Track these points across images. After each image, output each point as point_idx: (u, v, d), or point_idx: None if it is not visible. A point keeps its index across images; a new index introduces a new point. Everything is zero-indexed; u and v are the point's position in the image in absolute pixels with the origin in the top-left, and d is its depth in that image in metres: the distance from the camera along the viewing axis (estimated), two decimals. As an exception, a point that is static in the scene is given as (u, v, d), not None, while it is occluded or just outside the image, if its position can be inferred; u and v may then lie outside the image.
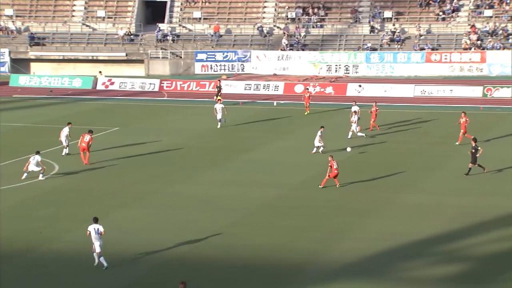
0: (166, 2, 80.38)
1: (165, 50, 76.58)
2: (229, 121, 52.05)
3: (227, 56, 74.80)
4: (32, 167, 38.57)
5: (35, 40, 76.97)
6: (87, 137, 41.59)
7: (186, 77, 71.75)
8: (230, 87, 67.12)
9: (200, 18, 79.16)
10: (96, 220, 28.00)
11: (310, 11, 78.82)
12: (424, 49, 73.37)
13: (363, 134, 47.61)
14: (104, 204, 34.86)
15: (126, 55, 76.31)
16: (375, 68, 72.92)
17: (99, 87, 69.17)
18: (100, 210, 33.74)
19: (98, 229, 27.75)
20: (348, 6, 79.15)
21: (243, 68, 74.43)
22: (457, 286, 26.18)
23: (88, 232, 27.84)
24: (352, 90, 65.91)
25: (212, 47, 76.59)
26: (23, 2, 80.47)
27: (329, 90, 66.60)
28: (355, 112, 47.94)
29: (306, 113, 55.48)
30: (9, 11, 79.34)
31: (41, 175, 38.85)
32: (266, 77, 71.57)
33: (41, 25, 78.67)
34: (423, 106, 59.85)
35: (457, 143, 45.28)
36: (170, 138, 48.17)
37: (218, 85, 61.44)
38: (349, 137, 46.87)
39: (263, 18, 79.56)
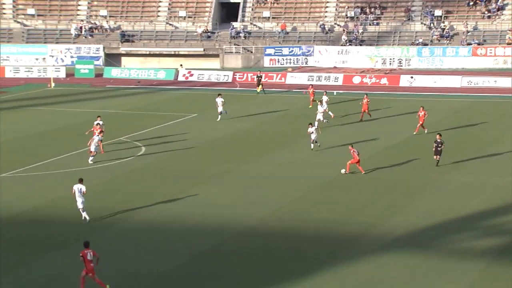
0: (239, 3, 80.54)
1: (238, 45, 76.82)
2: (293, 108, 51.90)
3: (292, 51, 74.75)
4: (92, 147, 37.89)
5: (126, 37, 77.97)
6: (98, 130, 39.52)
7: (256, 69, 71.85)
8: (295, 78, 67.50)
9: (269, 17, 79.12)
10: (81, 181, 29.28)
11: (368, 10, 78.12)
12: (471, 44, 72.03)
13: (326, 120, 46.34)
14: (183, 181, 35.26)
15: (204, 50, 76.75)
16: (426, 62, 71.93)
17: (180, 78, 69.75)
18: (180, 187, 34.19)
19: (81, 188, 29.00)
20: (402, 5, 78.14)
21: (307, 61, 74.32)
22: (498, 257, 25.75)
23: (73, 190, 29.07)
24: (404, 81, 65.08)
25: (279, 43, 76.56)
26: (115, 4, 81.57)
27: (384, 81, 65.94)
28: (321, 102, 47.34)
29: (310, 106, 52.81)
30: (103, 11, 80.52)
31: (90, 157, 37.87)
32: (327, 70, 71.39)
33: (130, 24, 79.64)
34: (469, 96, 58.81)
35: (414, 132, 43.88)
36: (241, 124, 48.37)
37: (258, 75, 61.29)
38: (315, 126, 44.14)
39: (325, 16, 79.12)
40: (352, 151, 35.82)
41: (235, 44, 76.93)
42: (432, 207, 31.16)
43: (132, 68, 72.63)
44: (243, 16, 79.72)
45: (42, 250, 26.30)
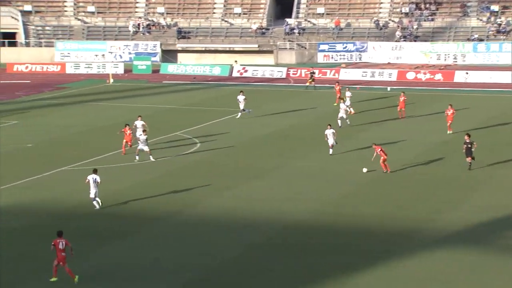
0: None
1: (292, 42, 76.69)
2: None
3: (346, 47, 74.27)
4: (142, 146, 37.31)
5: (182, 34, 78.61)
6: (128, 131, 38.65)
7: (310, 65, 71.60)
8: (348, 74, 67.07)
9: (323, 14, 78.78)
10: (95, 171, 29.99)
11: (422, 6, 77.15)
12: (527, 39, 70.45)
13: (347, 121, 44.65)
14: (236, 176, 35.43)
15: (258, 46, 76.85)
16: (481, 57, 70.61)
17: (235, 74, 70.01)
18: (232, 182, 34.36)
19: (95, 179, 29.66)
20: (458, 1, 76.88)
21: (360, 57, 73.75)
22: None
23: (87, 180, 29.69)
24: (459, 76, 64.04)
25: (333, 39, 76.18)
26: (172, 1, 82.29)
27: (438, 77, 64.98)
28: (343, 99, 46.18)
29: (335, 104, 51.26)
30: (161, 9, 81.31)
31: (136, 157, 37.31)
32: (381, 66, 70.66)
33: (187, 21, 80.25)
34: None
35: (448, 132, 42.42)
36: (292, 119, 48.31)
37: (312, 71, 60.99)
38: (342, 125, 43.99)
39: (380, 13, 78.39)
40: (379, 150, 34.84)
41: (289, 41, 76.84)
42: (486, 203, 30.64)
43: (188, 64, 73.21)
44: (298, 12, 79.55)
45: (100, 241, 26.76)
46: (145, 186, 33.71)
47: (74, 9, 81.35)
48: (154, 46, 76.34)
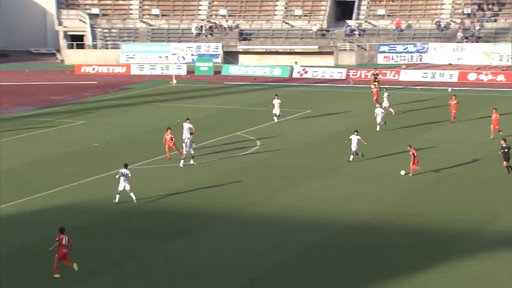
0: (354, 1, 79.95)
1: (352, 43, 76.31)
2: (406, 104, 50.99)
3: (406, 48, 73.52)
4: (189, 148, 36.70)
5: (243, 36, 79.03)
6: (168, 136, 37.51)
7: (369, 66, 71.11)
8: (409, 75, 66.49)
9: (384, 15, 78.14)
10: (126, 166, 30.56)
11: (485, 7, 75.73)
12: None
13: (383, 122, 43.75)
14: (296, 175, 35.46)
15: (318, 48, 76.72)
16: (546, 58, 69.00)
17: (295, 75, 70.03)
18: (292, 181, 34.41)
19: (127, 173, 30.21)
20: (521, 1, 75.27)
21: (421, 58, 72.91)
22: None
23: (120, 173, 30.27)
24: (522, 78, 62.72)
25: (394, 40, 75.47)
26: (234, 4, 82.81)
27: (501, 78, 63.82)
28: (380, 104, 44.95)
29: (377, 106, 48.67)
30: (223, 11, 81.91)
31: (182, 160, 36.56)
32: (442, 67, 69.76)
33: (248, 23, 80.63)
34: None
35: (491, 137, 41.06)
36: (353, 120, 48.07)
37: (375, 73, 60.57)
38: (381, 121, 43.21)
39: (441, 14, 77.32)
40: (411, 153, 34.35)
41: (349, 42, 76.46)
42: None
43: (249, 66, 73.54)
44: (358, 14, 79.08)
45: (163, 238, 27.16)
46: (206, 185, 34.04)
47: (139, 12, 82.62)
48: (216, 48, 76.93)
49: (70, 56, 77.70)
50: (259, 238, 27.23)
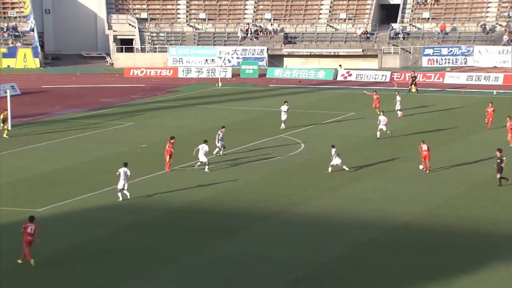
0: (399, 4, 79.39)
1: (396, 46, 75.75)
2: (451, 108, 50.35)
3: (451, 51, 72.72)
4: (201, 156, 35.72)
5: (288, 39, 79.10)
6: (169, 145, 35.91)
7: (414, 69, 70.50)
8: (453, 78, 65.86)
9: (428, 18, 77.42)
10: (125, 165, 30.99)
11: (530, 9, 74.41)
12: None
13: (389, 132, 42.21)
14: (341, 177, 35.34)
15: (362, 51, 76.35)
16: None
17: (339, 78, 69.84)
18: (337, 182, 34.31)
19: (126, 172, 30.78)
20: None
21: (466, 61, 72.04)
22: None
23: (118, 173, 30.83)
24: None
25: (438, 43, 74.72)
26: (279, 8, 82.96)
27: (546, 81, 62.65)
28: (383, 112, 43.05)
29: (378, 112, 47.14)
30: (268, 15, 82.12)
31: (206, 167, 35.61)
32: (487, 70, 68.83)
33: (293, 26, 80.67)
34: None
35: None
36: (397, 122, 47.70)
37: (413, 75, 59.74)
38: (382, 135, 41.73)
39: (486, 17, 76.29)
40: (420, 146, 34.91)
41: (393, 45, 75.91)
42: None
43: (294, 69, 73.56)
44: (403, 17, 78.48)
45: (210, 237, 27.34)
46: (251, 185, 34.17)
47: (187, 16, 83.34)
48: (261, 51, 77.15)
49: (120, 60, 78.75)
50: (306, 237, 27.20)
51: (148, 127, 48.49)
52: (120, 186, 31.16)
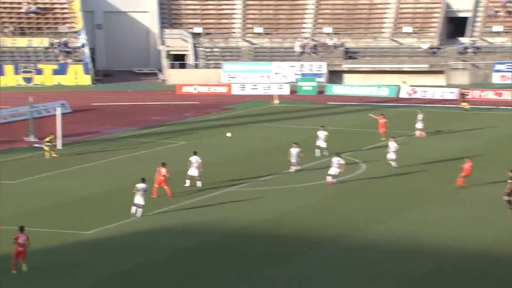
0: (468, 17, 78.36)
1: (465, 61, 74.66)
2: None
3: (525, 66, 71.29)
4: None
5: (348, 54, 78.83)
6: (163, 170, 35.29)
7: (484, 86, 69.33)
8: (527, 95, 64.62)
9: (500, 32, 76.13)
10: (143, 181, 32.28)
11: None
12: None
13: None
14: (404, 199, 34.86)
15: (429, 67, 75.51)
16: None
17: (402, 95, 69.17)
18: (402, 205, 33.86)
19: (144, 187, 31.95)
20: None
21: (541, 77, 70.48)
22: None
23: (136, 188, 31.90)
24: None
25: (511, 58, 73.30)
26: (339, 21, 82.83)
27: None
28: (393, 138, 41.17)
29: (382, 138, 46.98)
30: (327, 29, 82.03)
31: (198, 182, 36.73)
32: None
33: (354, 41, 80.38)
34: None
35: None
36: (468, 142, 46.86)
37: (463, 92, 59.58)
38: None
39: (563, 29, 74.57)
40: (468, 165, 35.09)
41: (462, 60, 74.85)
42: None
43: (354, 85, 73.20)
44: (472, 31, 77.39)
45: (267, 262, 27.19)
46: (310, 208, 33.98)
47: (242, 31, 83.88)
48: (320, 67, 77.01)
49: (172, 76, 79.60)
50: (367, 263, 26.85)
51: (201, 146, 48.62)
52: (136, 201, 32.11)
